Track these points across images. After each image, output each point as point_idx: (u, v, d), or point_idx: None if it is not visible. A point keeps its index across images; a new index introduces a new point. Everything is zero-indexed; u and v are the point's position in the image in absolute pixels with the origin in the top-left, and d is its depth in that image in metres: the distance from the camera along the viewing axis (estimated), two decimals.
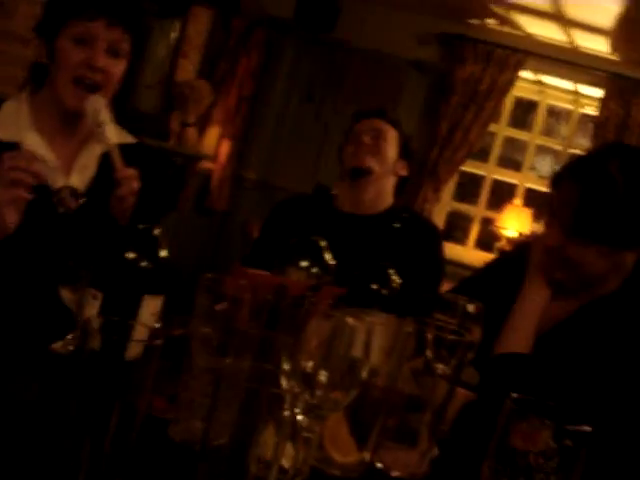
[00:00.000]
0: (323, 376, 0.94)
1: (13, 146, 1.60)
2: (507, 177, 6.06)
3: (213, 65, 4.88)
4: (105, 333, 0.84)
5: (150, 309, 1.00)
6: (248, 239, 4.65)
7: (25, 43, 2.77)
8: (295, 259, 1.35)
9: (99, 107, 1.59)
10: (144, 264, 1.01)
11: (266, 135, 5.96)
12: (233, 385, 1.04)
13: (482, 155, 6.06)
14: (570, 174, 1.56)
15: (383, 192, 2.49)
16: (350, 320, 0.92)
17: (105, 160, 1.72)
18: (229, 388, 1.03)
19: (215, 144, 5.45)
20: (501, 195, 6.13)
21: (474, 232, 6.06)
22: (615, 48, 5.35)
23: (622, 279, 1.61)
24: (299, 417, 0.96)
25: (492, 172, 6.05)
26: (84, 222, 1.67)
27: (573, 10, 4.87)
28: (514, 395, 0.90)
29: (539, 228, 5.88)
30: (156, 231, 1.03)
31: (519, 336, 1.60)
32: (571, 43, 5.51)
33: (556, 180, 1.60)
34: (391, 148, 2.48)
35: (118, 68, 1.67)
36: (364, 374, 0.94)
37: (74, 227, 1.66)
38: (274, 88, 5.90)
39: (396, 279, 1.43)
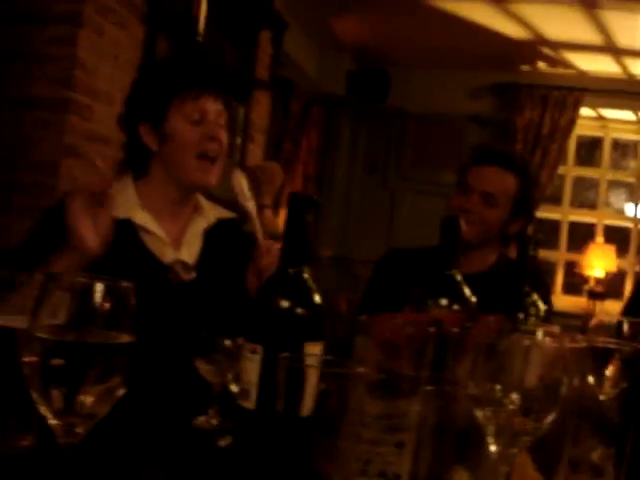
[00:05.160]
0: (517, 400, 0.86)
1: (126, 223, 1.63)
2: (583, 217, 5.92)
3: (277, 147, 4.95)
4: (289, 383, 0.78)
5: None
6: (336, 314, 4.59)
7: (106, 142, 2.84)
8: (434, 297, 1.28)
9: (243, 182, 1.61)
10: (300, 310, 0.96)
11: (336, 210, 5.97)
12: (416, 429, 0.97)
13: (554, 199, 5.94)
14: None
15: (488, 253, 2.12)
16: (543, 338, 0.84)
17: (208, 235, 1.78)
18: (409, 432, 0.96)
19: None
20: (580, 236, 5.98)
21: (559, 277, 5.89)
22: None
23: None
24: (492, 448, 0.88)
25: (567, 214, 5.92)
26: (198, 294, 1.68)
27: (623, 38, 4.82)
28: None
29: (624, 264, 5.70)
30: (306, 275, 0.98)
31: None
32: (626, 72, 5.44)
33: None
34: (499, 212, 2.05)
35: (226, 138, 1.71)
36: (563, 392, 0.86)
37: (190, 299, 1.65)
38: (337, 163, 5.94)
39: (541, 305, 1.35)
